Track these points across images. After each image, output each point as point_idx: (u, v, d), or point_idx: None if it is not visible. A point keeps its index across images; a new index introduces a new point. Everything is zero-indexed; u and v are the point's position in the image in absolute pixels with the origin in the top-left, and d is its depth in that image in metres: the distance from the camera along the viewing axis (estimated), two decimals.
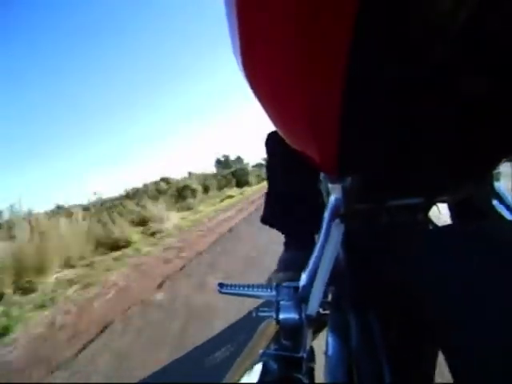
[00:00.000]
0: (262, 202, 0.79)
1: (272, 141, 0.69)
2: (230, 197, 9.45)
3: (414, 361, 0.36)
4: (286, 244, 0.71)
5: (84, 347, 1.57)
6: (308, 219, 0.60)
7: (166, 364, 1.24)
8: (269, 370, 0.36)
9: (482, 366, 0.18)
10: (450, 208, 0.52)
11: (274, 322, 0.39)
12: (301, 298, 0.38)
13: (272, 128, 0.37)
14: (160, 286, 2.35)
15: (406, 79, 0.21)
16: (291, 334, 0.39)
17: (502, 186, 0.42)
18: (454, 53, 0.19)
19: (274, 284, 0.41)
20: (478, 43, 0.18)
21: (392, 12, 0.16)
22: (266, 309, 0.41)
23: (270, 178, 0.73)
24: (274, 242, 1.43)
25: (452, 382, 0.22)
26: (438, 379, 0.40)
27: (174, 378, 1.13)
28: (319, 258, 0.36)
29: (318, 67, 0.19)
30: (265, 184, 0.79)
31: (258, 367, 0.37)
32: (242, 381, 0.37)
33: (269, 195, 0.74)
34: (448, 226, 0.40)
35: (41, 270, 2.92)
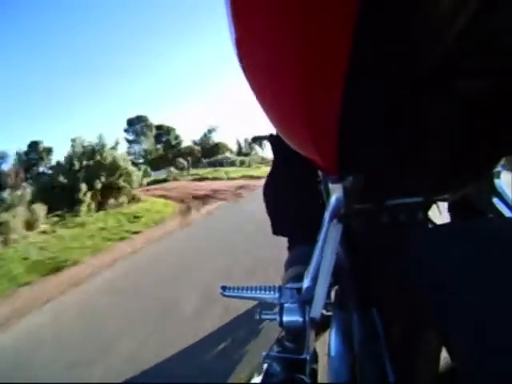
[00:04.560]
0: None
1: (275, 141, 0.70)
2: None
3: (416, 360, 0.36)
4: (289, 246, 0.70)
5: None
6: (308, 219, 0.59)
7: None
8: (273, 371, 0.36)
9: (484, 363, 0.18)
10: (450, 206, 0.52)
11: (276, 324, 0.39)
12: (304, 300, 0.38)
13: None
14: None
15: (406, 79, 0.21)
16: (294, 336, 0.38)
17: (502, 183, 0.42)
18: (454, 53, 0.19)
19: (277, 286, 0.41)
20: (478, 43, 0.18)
21: (392, 12, 0.16)
22: (269, 311, 0.41)
23: (275, 179, 0.73)
24: None
25: (454, 380, 0.22)
26: (440, 378, 0.40)
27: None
28: (320, 259, 0.36)
29: (317, 68, 0.19)
30: None
31: (262, 369, 0.37)
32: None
33: (274, 198, 0.74)
34: (448, 224, 0.40)
35: None
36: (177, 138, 29.49)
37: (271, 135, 0.70)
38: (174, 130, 29.52)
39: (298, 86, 0.21)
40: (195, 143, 28.13)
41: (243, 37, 0.21)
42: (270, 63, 0.21)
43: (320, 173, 0.60)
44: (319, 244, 0.37)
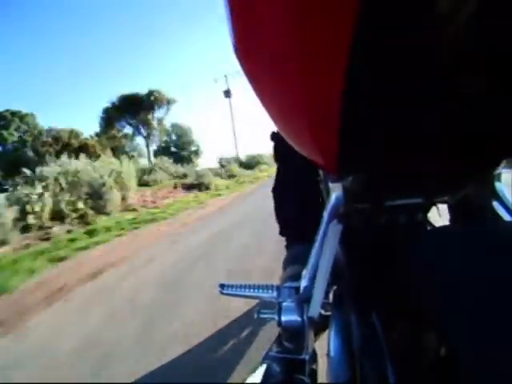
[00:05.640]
0: None
1: (275, 139, 0.70)
2: None
3: (417, 361, 0.36)
4: (288, 245, 0.71)
5: None
6: (308, 218, 0.60)
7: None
8: (272, 372, 0.36)
9: (483, 365, 0.18)
10: (450, 208, 0.52)
11: (275, 324, 0.39)
12: (302, 299, 0.38)
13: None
14: None
15: (406, 79, 0.22)
16: (293, 336, 0.38)
17: (502, 186, 0.42)
18: (454, 53, 0.19)
19: (275, 285, 0.41)
20: (478, 43, 0.18)
21: (392, 12, 0.17)
22: (267, 310, 0.41)
23: (276, 178, 0.74)
24: None
25: (453, 381, 0.22)
26: (438, 379, 0.40)
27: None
28: (319, 258, 0.36)
29: (318, 66, 0.19)
30: None
31: (261, 369, 0.36)
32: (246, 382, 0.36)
33: (275, 197, 0.74)
34: (447, 226, 0.40)
35: None
36: (28, 131, 16.88)
37: (272, 133, 0.71)
38: (30, 116, 17.66)
39: (299, 84, 0.21)
40: (98, 135, 15.62)
41: (243, 35, 0.21)
42: (270, 62, 0.21)
43: (321, 172, 0.60)
44: (318, 243, 0.37)
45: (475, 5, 0.16)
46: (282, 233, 0.72)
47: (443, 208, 0.48)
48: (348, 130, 0.23)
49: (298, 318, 0.37)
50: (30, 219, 4.03)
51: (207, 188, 8.27)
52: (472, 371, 0.19)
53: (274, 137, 0.70)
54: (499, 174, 0.43)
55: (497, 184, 0.43)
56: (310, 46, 0.18)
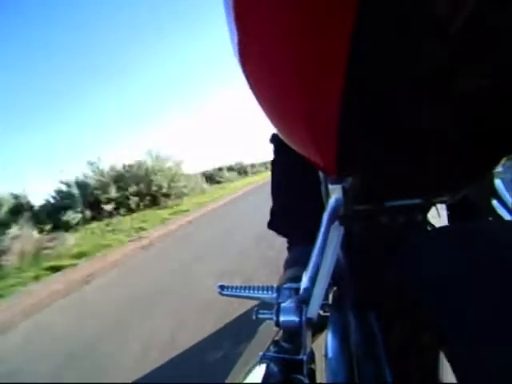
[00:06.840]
0: None
1: (275, 141, 0.70)
2: None
3: (414, 361, 0.36)
4: (289, 246, 0.71)
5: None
6: (309, 220, 0.59)
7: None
8: (270, 372, 0.36)
9: (483, 365, 0.18)
10: (450, 208, 0.52)
11: (273, 324, 0.39)
12: (301, 300, 0.38)
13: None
14: None
15: (406, 79, 0.21)
16: (291, 337, 0.38)
17: (501, 184, 0.42)
18: (454, 53, 0.19)
19: (275, 286, 0.41)
20: (478, 43, 0.18)
21: (391, 13, 0.16)
22: (265, 311, 0.41)
23: (274, 179, 0.73)
24: None
25: (453, 382, 0.22)
26: (438, 379, 0.40)
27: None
28: (320, 260, 0.36)
29: (316, 67, 0.19)
30: None
31: (259, 369, 0.36)
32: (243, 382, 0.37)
33: (272, 197, 0.74)
34: (447, 225, 0.40)
35: None
36: None
37: (272, 135, 0.70)
38: None
39: (298, 85, 0.21)
40: None
41: (244, 36, 0.21)
42: (270, 63, 0.21)
43: (320, 173, 0.60)
44: (318, 245, 0.37)
45: (475, 5, 0.16)
46: (284, 234, 0.72)
47: (443, 208, 0.48)
48: (347, 130, 0.23)
49: (297, 319, 0.37)
50: None
51: None
52: (471, 371, 0.19)
53: (274, 139, 0.70)
54: (498, 173, 0.43)
55: (496, 182, 0.43)
56: (310, 47, 0.17)
